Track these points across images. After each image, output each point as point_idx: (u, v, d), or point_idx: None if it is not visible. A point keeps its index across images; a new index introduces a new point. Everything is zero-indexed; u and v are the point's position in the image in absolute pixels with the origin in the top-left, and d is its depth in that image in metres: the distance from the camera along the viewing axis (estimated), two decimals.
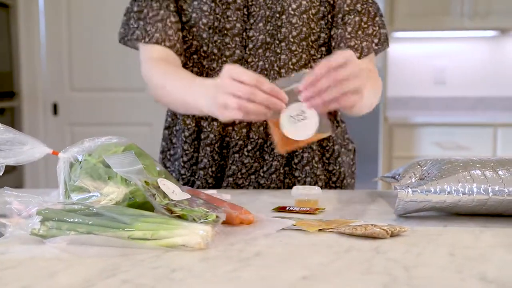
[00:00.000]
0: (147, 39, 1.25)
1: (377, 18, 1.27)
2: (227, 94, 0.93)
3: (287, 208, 1.04)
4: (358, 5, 1.26)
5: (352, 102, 0.95)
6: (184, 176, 1.32)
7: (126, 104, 3.71)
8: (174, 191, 0.89)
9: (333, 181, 1.33)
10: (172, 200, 0.86)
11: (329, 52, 1.30)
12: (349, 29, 1.25)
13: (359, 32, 1.25)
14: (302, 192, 1.07)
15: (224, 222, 0.85)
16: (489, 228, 0.92)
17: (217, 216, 0.82)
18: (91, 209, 0.83)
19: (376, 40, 1.26)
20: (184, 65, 1.29)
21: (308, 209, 1.03)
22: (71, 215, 0.81)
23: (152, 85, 1.25)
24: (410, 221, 0.96)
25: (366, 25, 1.26)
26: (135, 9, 1.27)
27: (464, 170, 0.96)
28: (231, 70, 0.94)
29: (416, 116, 3.38)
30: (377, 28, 1.27)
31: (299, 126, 0.92)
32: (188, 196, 0.90)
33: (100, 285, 0.65)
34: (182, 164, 1.32)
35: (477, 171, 0.95)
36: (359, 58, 1.24)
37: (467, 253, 0.78)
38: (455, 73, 3.78)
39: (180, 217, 0.84)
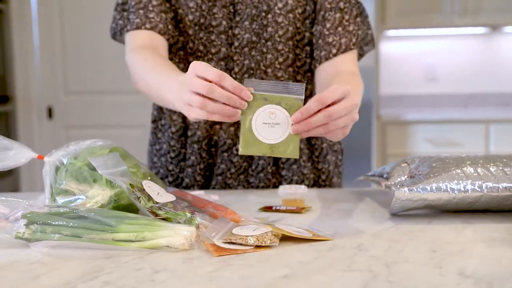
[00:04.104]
0: (128, 27, 1.24)
1: (358, 19, 1.27)
2: (190, 92, 0.88)
3: (274, 208, 1.05)
4: (341, 3, 1.25)
5: (337, 137, 0.91)
6: (173, 172, 1.33)
7: (120, 106, 3.72)
8: (159, 193, 0.90)
9: (322, 179, 1.34)
10: (157, 203, 0.87)
11: (312, 50, 1.29)
12: (328, 25, 1.25)
13: (339, 29, 1.25)
14: (289, 192, 1.08)
15: None
16: (472, 224, 0.92)
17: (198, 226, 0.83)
18: (75, 212, 0.83)
19: (354, 40, 1.26)
20: (171, 61, 1.29)
21: (295, 208, 1.04)
22: (55, 218, 0.82)
23: (134, 75, 1.22)
24: (395, 218, 0.97)
25: (347, 23, 1.25)
26: (120, 1, 1.28)
27: (456, 167, 0.97)
28: (195, 67, 0.87)
29: (408, 113, 3.39)
30: (357, 28, 1.26)
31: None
32: (173, 198, 0.91)
33: (81, 287, 0.66)
34: (169, 160, 1.33)
35: (469, 168, 0.97)
36: (335, 54, 1.24)
37: (448, 249, 0.79)
38: (447, 70, 3.79)
39: (164, 219, 0.85)
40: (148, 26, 1.22)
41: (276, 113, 0.87)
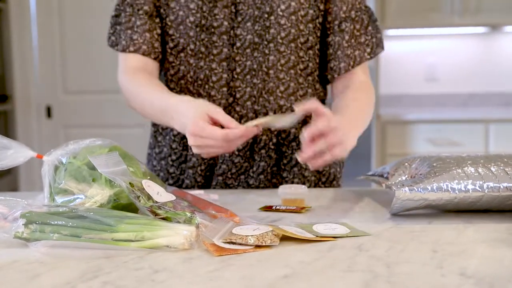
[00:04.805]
0: (118, 47, 1.29)
1: (369, 27, 1.28)
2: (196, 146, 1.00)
3: (274, 207, 1.04)
4: (353, 12, 1.27)
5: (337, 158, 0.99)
6: (173, 175, 1.33)
7: (119, 106, 3.70)
8: (158, 192, 0.89)
9: (322, 181, 1.34)
10: (157, 202, 0.86)
11: (320, 56, 1.31)
12: (347, 37, 1.27)
13: (352, 41, 1.27)
14: (288, 191, 1.08)
15: None
16: (473, 224, 0.92)
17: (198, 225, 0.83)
18: (75, 211, 0.83)
19: (368, 50, 1.28)
20: (171, 63, 1.29)
21: (295, 207, 1.04)
22: (54, 217, 0.81)
23: (128, 97, 1.28)
24: (395, 218, 0.97)
25: (358, 33, 1.27)
26: (113, 13, 1.32)
27: (457, 167, 0.97)
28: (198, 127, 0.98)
29: (408, 113, 3.39)
30: (370, 37, 1.28)
31: None
32: (173, 197, 0.91)
33: (81, 287, 0.66)
34: (170, 162, 1.32)
35: (470, 168, 0.96)
36: (352, 67, 1.27)
37: (449, 249, 0.79)
38: (447, 69, 3.79)
39: (164, 218, 0.84)
40: (131, 49, 1.27)
41: None
